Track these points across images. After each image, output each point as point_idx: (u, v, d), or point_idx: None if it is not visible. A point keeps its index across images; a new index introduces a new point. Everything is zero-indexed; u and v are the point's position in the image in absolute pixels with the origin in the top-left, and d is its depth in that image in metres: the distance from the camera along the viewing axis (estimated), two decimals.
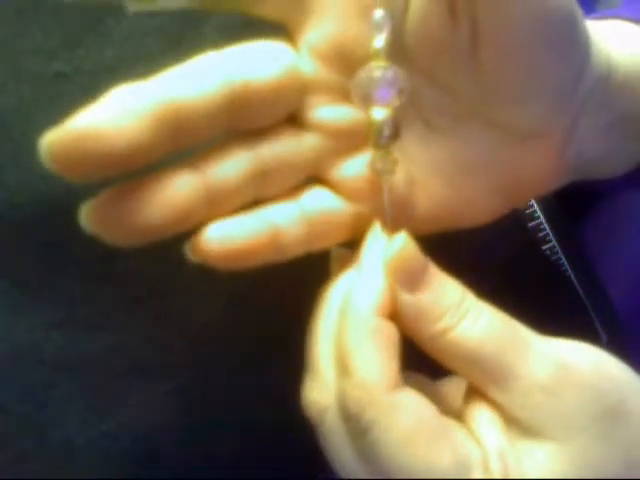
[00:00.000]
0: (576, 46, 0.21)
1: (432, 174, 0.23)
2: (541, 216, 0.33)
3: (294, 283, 0.28)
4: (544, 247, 0.33)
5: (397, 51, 0.21)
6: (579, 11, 0.21)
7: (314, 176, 0.23)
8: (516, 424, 0.20)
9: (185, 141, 0.20)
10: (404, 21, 0.21)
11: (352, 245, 0.23)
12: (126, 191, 0.19)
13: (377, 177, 0.22)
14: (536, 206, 0.33)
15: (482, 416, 0.20)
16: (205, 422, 0.28)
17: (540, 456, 0.19)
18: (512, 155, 0.23)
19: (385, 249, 0.21)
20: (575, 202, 0.34)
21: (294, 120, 0.22)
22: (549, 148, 0.23)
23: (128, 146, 0.18)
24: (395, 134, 0.21)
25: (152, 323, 0.27)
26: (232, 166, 0.21)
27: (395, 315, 0.20)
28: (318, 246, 0.23)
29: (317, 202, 0.22)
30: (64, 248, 0.26)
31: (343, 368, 0.20)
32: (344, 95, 0.22)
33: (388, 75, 0.20)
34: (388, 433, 0.19)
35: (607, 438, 0.19)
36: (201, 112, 0.19)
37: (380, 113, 0.21)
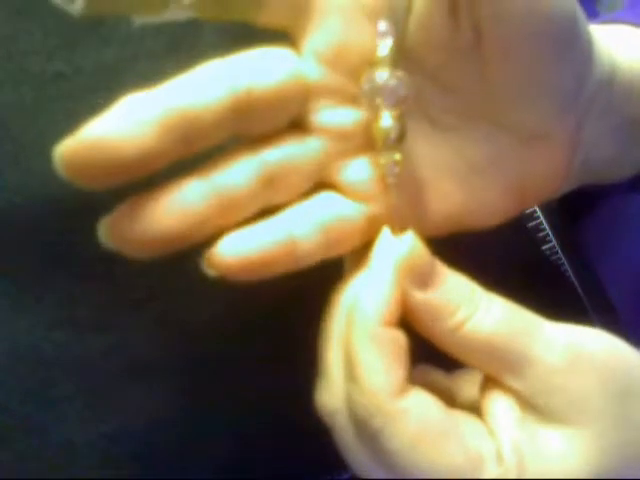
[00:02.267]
0: (578, 46, 0.21)
1: (441, 175, 0.23)
2: (541, 216, 0.33)
3: (295, 283, 0.28)
4: (544, 247, 0.33)
5: (401, 52, 0.21)
6: (581, 11, 0.21)
7: (322, 181, 0.23)
8: (533, 411, 0.20)
9: (193, 147, 0.20)
10: (407, 22, 0.21)
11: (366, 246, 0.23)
12: (139, 204, 0.20)
13: (383, 180, 0.22)
14: (536, 206, 0.33)
15: (498, 407, 0.21)
16: (205, 422, 0.28)
17: (558, 441, 0.20)
18: (519, 156, 0.23)
19: (394, 251, 0.20)
20: (575, 202, 0.34)
21: (299, 125, 0.22)
22: (556, 150, 0.23)
23: (138, 154, 0.19)
24: (401, 138, 0.21)
25: (152, 323, 0.27)
26: (240, 173, 0.21)
27: (406, 316, 0.20)
28: (335, 252, 0.22)
29: (330, 207, 0.22)
30: (64, 248, 0.26)
31: (350, 374, 0.20)
32: (348, 98, 0.22)
33: (393, 82, 0.21)
34: (395, 439, 0.19)
35: (623, 420, 0.20)
36: (207, 119, 0.20)
37: (386, 119, 0.21)
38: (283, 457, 0.29)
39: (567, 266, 0.33)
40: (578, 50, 0.21)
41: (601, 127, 0.24)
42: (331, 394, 0.21)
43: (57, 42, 0.26)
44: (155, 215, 0.20)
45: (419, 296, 0.20)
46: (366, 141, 0.22)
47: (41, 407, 0.26)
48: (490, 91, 0.21)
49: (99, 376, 0.27)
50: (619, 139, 0.26)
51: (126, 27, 0.26)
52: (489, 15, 0.19)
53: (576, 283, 0.33)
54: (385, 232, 0.21)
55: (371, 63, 0.21)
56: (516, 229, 0.33)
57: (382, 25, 0.21)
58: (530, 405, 0.20)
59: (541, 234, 0.33)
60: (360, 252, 0.22)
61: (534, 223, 0.33)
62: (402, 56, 0.21)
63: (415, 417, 0.19)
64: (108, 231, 0.20)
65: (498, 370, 0.20)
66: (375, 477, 0.21)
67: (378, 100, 0.21)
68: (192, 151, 0.20)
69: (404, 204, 0.22)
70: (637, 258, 0.32)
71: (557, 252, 0.33)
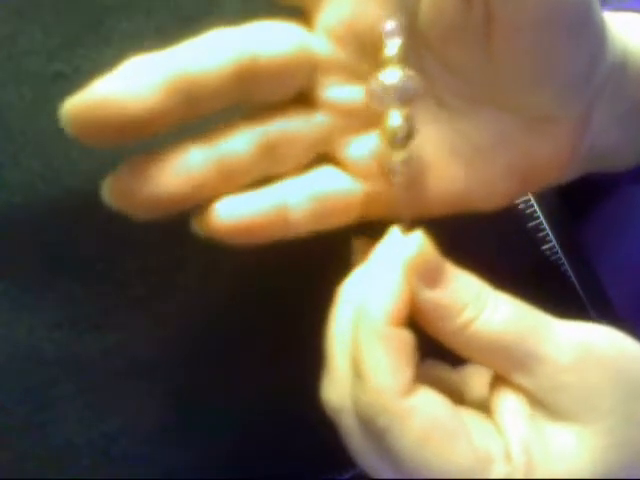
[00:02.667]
0: (591, 30, 0.21)
1: (446, 155, 0.23)
2: (541, 216, 0.33)
3: (294, 283, 0.28)
4: (544, 247, 0.33)
5: (411, 33, 0.21)
6: None
7: (324, 155, 0.23)
8: (542, 409, 0.20)
9: (197, 111, 0.21)
10: (418, 3, 0.21)
11: (371, 233, 0.23)
12: (142, 163, 0.20)
13: (389, 176, 0.22)
14: (536, 206, 0.33)
15: (507, 404, 0.21)
16: (205, 422, 0.28)
17: (567, 438, 0.19)
18: (526, 139, 0.23)
19: (402, 250, 0.20)
20: (575, 201, 0.34)
21: (305, 99, 0.22)
22: (563, 134, 0.23)
23: (143, 113, 0.19)
24: (409, 137, 0.21)
25: (152, 323, 0.27)
26: (241, 141, 0.21)
27: (414, 314, 0.20)
28: (326, 224, 0.23)
29: (326, 180, 0.23)
30: (64, 248, 0.26)
31: (356, 372, 0.20)
32: (357, 75, 0.22)
33: (402, 82, 0.21)
34: (402, 438, 0.19)
35: (632, 417, 0.20)
36: (212, 83, 0.20)
37: (395, 118, 0.21)
38: (283, 457, 0.29)
39: (567, 266, 0.33)
40: (591, 34, 0.21)
41: (610, 112, 0.24)
42: (337, 391, 0.21)
43: (57, 42, 0.26)
44: (158, 175, 0.20)
45: (427, 295, 0.20)
46: (372, 119, 0.22)
47: (41, 407, 0.26)
48: (498, 73, 0.21)
49: (99, 376, 0.27)
50: (627, 125, 0.26)
51: (126, 27, 0.26)
52: None
53: (576, 283, 0.33)
54: (394, 231, 0.21)
55: (380, 62, 0.21)
56: (516, 229, 0.33)
57: (390, 25, 0.21)
58: (539, 403, 0.20)
59: (541, 234, 0.33)
60: (367, 249, 0.22)
61: (534, 223, 0.33)
62: (412, 36, 0.21)
63: (422, 416, 0.19)
64: (110, 188, 0.20)
65: (507, 368, 0.20)
66: (383, 476, 0.21)
67: (387, 99, 0.21)
68: (196, 115, 0.21)
69: (404, 184, 0.22)
70: (637, 258, 0.32)
71: (557, 252, 0.33)
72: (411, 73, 0.21)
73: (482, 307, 0.20)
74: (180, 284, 0.27)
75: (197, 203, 0.21)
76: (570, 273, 0.33)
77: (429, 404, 0.19)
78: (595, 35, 0.21)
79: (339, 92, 0.22)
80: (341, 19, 0.21)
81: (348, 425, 0.20)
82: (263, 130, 0.22)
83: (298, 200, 0.22)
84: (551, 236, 0.33)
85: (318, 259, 0.26)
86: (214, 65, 0.20)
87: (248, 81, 0.21)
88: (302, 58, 0.21)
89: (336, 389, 0.21)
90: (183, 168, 0.20)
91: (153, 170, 0.20)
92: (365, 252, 0.22)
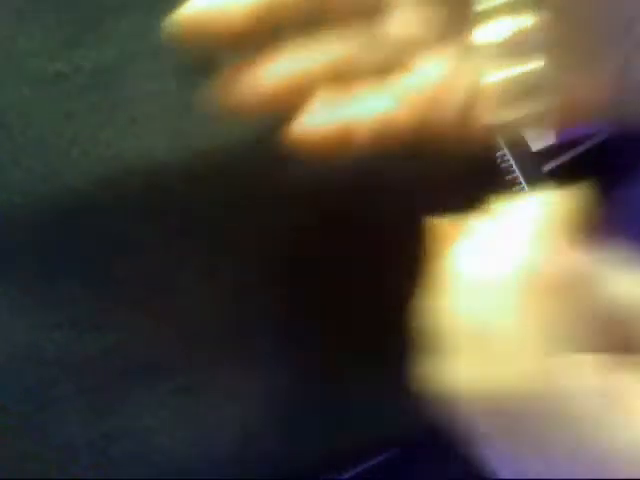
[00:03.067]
0: None
1: (498, 90, 0.24)
2: (517, 171, 0.33)
3: (294, 283, 0.28)
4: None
5: None
6: None
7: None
8: None
9: (286, 17, 0.23)
10: None
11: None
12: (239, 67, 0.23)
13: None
14: (512, 161, 0.33)
15: None
16: (205, 422, 0.28)
17: None
18: (575, 76, 0.24)
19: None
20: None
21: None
22: (600, 81, 0.24)
23: (241, 21, 0.22)
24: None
25: (152, 323, 0.27)
26: (322, 52, 0.24)
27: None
28: (383, 147, 0.24)
29: (385, 104, 0.24)
30: (64, 248, 0.26)
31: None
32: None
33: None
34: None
35: None
36: None
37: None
38: (283, 457, 0.29)
39: None
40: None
41: None
42: (465, 372, 0.19)
43: (57, 42, 0.26)
44: (248, 77, 0.23)
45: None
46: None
47: (41, 407, 0.26)
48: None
49: (99, 376, 0.27)
50: None
51: (126, 27, 0.26)
52: None
53: None
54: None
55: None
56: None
57: None
58: None
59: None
60: (444, 229, 0.21)
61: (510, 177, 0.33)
62: None
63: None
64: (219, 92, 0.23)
65: None
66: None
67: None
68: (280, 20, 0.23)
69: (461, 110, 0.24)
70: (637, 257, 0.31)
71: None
72: None
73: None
74: (180, 284, 0.27)
75: (276, 109, 0.23)
76: None
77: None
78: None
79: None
80: None
81: (477, 407, 0.18)
82: (336, 48, 0.24)
83: (362, 118, 0.24)
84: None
85: (320, 260, 0.26)
86: None
87: None
88: None
89: (464, 370, 0.19)
90: (268, 74, 0.23)
91: (246, 73, 0.23)
92: (444, 232, 0.21)
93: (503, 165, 0.32)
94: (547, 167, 0.34)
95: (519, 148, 0.33)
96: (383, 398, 0.28)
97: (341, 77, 0.24)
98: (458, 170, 0.27)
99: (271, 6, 0.23)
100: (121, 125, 0.27)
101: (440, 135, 0.24)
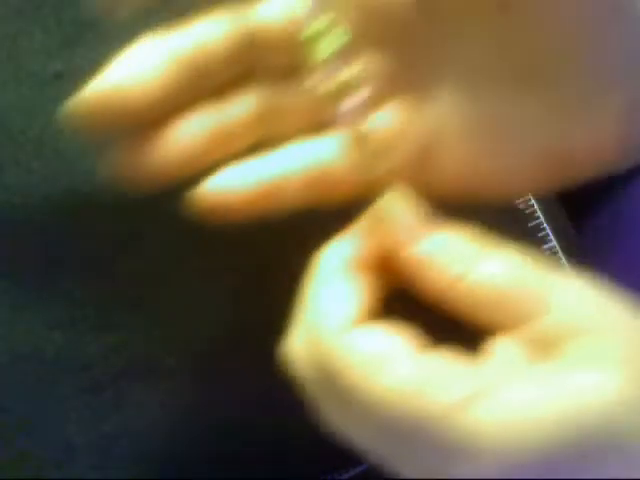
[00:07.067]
0: (630, 13, 0.19)
1: (464, 135, 0.21)
2: (541, 216, 0.33)
3: (296, 282, 0.28)
4: (544, 247, 0.33)
5: (428, 6, 0.20)
6: None
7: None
8: (546, 355, 0.18)
9: (203, 84, 0.21)
10: None
11: None
12: (143, 135, 0.21)
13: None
14: (536, 206, 0.33)
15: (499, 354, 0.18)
16: (205, 422, 0.28)
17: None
18: (562, 123, 0.20)
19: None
20: (576, 201, 0.34)
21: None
22: (607, 121, 0.20)
23: (152, 97, 0.20)
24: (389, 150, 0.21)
25: (152, 323, 0.27)
26: (238, 107, 0.22)
27: (403, 279, 0.19)
28: (318, 200, 0.22)
29: (321, 153, 0.22)
30: (64, 248, 0.26)
31: (302, 311, 0.19)
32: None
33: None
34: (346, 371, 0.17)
35: None
36: (214, 55, 0.21)
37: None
38: (283, 457, 0.29)
39: (567, 266, 0.33)
40: (630, 19, 0.19)
41: None
42: (294, 341, 0.20)
43: (57, 42, 0.26)
44: (154, 144, 0.21)
45: (415, 249, 0.19)
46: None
47: (41, 407, 0.26)
48: (532, 46, 0.19)
49: (99, 376, 0.27)
50: None
51: (126, 27, 0.26)
52: None
53: None
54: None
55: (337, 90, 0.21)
56: (516, 229, 0.33)
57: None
58: (545, 349, 0.18)
59: (541, 234, 0.33)
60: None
61: (534, 223, 0.33)
62: (429, 9, 0.20)
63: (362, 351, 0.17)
64: (113, 161, 0.21)
65: (510, 318, 0.18)
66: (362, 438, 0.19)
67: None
68: (203, 89, 0.21)
69: (413, 160, 0.21)
70: (637, 258, 0.32)
71: (557, 252, 0.33)
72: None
73: (476, 259, 0.19)
74: (180, 284, 0.27)
75: (198, 169, 0.21)
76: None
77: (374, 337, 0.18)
78: (635, 20, 0.19)
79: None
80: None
81: (304, 375, 0.19)
82: (261, 96, 0.22)
83: (294, 170, 0.21)
84: (551, 236, 0.33)
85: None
86: (216, 37, 0.20)
87: (250, 51, 0.21)
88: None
89: (293, 339, 0.20)
90: (179, 136, 0.21)
91: (153, 140, 0.21)
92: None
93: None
94: None
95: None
96: None
97: (269, 129, 0.22)
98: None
99: (190, 74, 0.21)
100: None
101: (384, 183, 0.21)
